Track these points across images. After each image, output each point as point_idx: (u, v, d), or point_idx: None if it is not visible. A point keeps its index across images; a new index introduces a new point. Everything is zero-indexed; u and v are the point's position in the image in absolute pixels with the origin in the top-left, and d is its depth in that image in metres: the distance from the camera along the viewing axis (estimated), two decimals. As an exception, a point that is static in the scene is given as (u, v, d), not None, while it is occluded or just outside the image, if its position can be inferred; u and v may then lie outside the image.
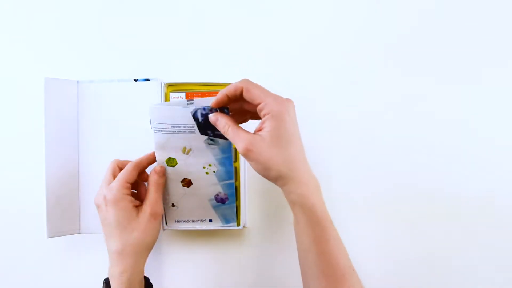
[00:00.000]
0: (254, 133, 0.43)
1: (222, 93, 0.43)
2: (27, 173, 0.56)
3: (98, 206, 0.47)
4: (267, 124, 0.42)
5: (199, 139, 0.47)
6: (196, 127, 0.46)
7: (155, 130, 0.46)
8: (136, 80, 0.54)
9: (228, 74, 0.56)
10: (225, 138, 0.44)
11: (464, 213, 0.56)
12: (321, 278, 0.42)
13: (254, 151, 0.41)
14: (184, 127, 0.45)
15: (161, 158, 0.48)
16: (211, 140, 0.47)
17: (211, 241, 0.55)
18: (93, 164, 0.53)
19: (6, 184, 0.56)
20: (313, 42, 0.56)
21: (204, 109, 0.44)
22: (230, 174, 0.49)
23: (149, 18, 0.56)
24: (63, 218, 0.51)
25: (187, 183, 0.50)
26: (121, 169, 0.49)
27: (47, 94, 0.50)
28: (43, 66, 0.56)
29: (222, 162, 0.49)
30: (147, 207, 0.48)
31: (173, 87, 0.54)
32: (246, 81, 0.43)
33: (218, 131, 0.45)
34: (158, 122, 0.45)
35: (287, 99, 0.43)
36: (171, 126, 0.45)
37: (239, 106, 0.45)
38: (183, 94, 0.53)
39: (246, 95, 0.42)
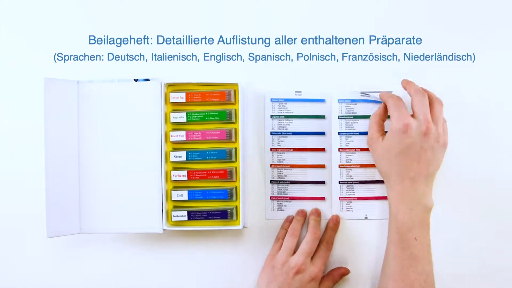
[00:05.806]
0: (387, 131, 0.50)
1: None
2: (27, 172, 0.56)
3: (287, 270, 0.48)
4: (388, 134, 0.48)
5: None
6: None
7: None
8: (136, 80, 0.54)
9: (228, 74, 0.56)
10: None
11: None
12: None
13: (371, 149, 0.51)
14: None
15: None
16: None
17: (211, 241, 0.55)
18: (93, 164, 0.53)
19: (6, 184, 0.56)
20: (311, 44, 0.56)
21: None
22: None
23: (150, 17, 0.56)
24: (63, 218, 0.51)
25: None
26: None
27: (47, 94, 0.50)
28: (43, 66, 0.56)
29: None
30: (329, 282, 0.51)
31: (173, 87, 0.54)
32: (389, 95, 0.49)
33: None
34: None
35: (426, 120, 0.46)
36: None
37: None
38: (183, 94, 0.53)
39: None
